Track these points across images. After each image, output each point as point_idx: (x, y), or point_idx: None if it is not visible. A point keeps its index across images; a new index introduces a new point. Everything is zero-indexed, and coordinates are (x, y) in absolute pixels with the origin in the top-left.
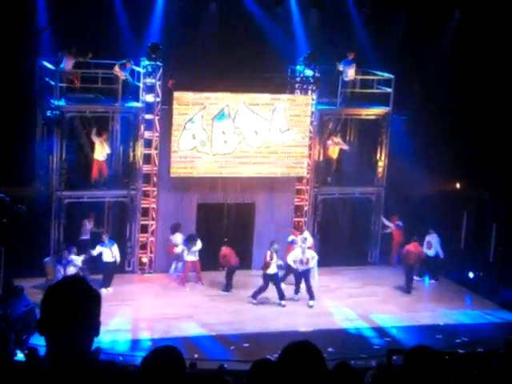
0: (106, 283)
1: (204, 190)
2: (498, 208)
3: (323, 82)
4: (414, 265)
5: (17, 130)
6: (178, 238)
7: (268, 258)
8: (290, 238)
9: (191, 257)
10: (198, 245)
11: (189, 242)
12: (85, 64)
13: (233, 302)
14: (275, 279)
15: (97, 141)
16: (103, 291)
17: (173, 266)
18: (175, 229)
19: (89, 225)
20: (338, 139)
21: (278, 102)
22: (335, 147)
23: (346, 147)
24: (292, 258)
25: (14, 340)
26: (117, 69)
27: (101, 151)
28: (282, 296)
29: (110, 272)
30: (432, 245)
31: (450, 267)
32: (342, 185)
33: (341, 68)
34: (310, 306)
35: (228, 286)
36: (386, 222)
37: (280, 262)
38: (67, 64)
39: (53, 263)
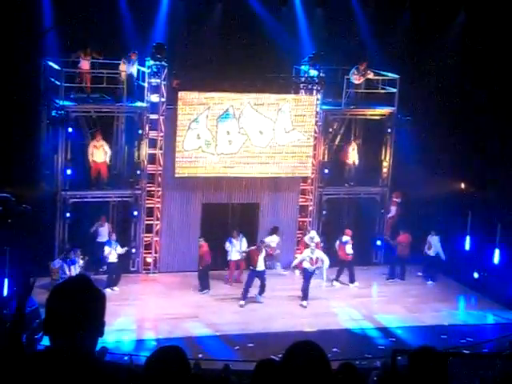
0: (111, 283)
1: (209, 190)
2: (503, 208)
3: (328, 82)
4: (405, 256)
5: (22, 129)
6: (274, 239)
7: (254, 255)
8: (345, 238)
9: (236, 255)
10: (244, 243)
11: (234, 237)
12: (90, 64)
13: (237, 302)
14: (261, 276)
15: (92, 145)
16: (108, 291)
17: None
18: (273, 231)
19: (102, 227)
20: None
21: (282, 102)
22: (354, 152)
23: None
24: (300, 258)
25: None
26: (122, 65)
27: (98, 154)
28: (262, 291)
29: (114, 272)
30: (432, 245)
31: (455, 268)
32: (347, 185)
33: (353, 76)
34: (304, 306)
35: (207, 285)
36: (390, 214)
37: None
38: (84, 64)
39: (59, 264)
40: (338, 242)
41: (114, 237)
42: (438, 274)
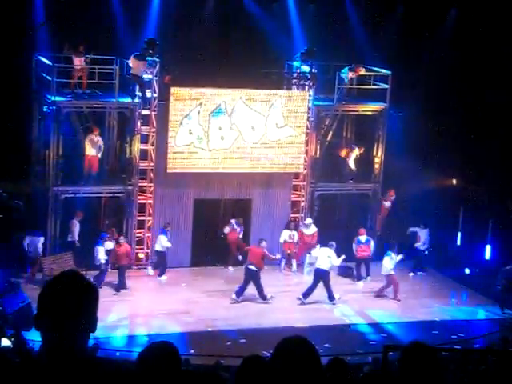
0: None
1: (201, 186)
2: (495, 204)
3: (320, 78)
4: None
5: (13, 125)
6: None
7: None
8: (362, 238)
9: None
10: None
11: (390, 249)
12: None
13: (229, 298)
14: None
15: (87, 138)
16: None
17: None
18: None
19: (77, 223)
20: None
21: (274, 97)
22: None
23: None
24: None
25: (10, 335)
26: (140, 64)
27: (90, 147)
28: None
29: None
30: (421, 239)
31: (446, 263)
32: (339, 181)
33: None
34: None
35: (124, 285)
36: (385, 203)
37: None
38: (77, 62)
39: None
40: (354, 243)
41: (168, 228)
42: (424, 266)
